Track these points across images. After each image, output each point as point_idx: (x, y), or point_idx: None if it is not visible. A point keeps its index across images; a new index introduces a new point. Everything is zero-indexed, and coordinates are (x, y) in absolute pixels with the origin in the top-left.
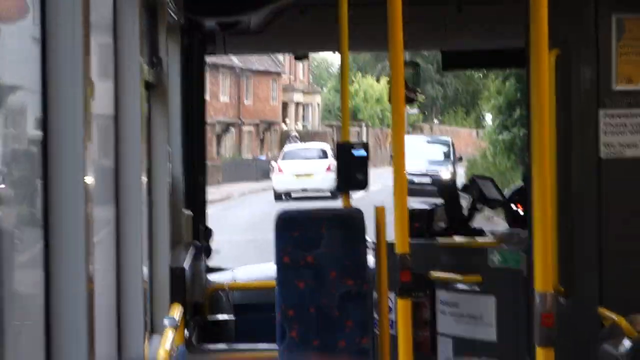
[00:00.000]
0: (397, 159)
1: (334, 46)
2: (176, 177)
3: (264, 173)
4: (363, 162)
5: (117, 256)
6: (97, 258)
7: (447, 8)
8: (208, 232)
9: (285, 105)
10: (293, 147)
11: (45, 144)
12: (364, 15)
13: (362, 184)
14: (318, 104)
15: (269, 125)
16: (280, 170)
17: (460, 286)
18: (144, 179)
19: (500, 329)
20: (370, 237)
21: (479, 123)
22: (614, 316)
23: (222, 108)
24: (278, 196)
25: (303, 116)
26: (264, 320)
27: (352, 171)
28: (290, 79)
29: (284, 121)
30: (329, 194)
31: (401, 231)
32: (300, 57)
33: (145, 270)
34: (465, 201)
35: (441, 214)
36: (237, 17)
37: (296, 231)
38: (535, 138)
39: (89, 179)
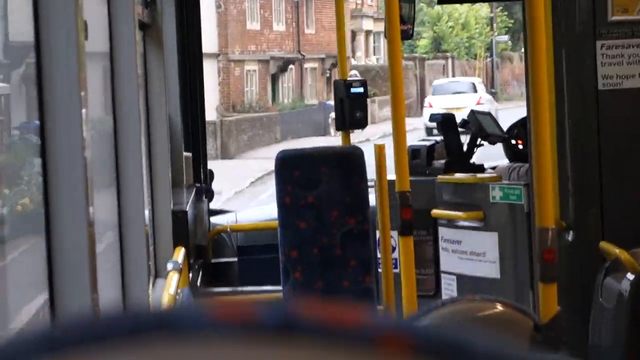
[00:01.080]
0: (395, 94)
1: None
2: (174, 119)
3: (324, 128)
4: (362, 100)
5: (118, 200)
6: (97, 203)
7: None
8: (209, 174)
9: (353, 35)
10: (442, 81)
11: (39, 88)
12: None
13: (362, 122)
14: None
15: (337, 60)
16: (430, 105)
17: (463, 223)
18: (142, 122)
19: (503, 265)
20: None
21: None
22: (616, 250)
23: (277, 39)
24: (429, 131)
25: (374, 48)
26: (267, 262)
27: (350, 109)
28: (357, 3)
29: (353, 55)
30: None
31: (401, 168)
32: None
33: (147, 213)
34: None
35: (441, 150)
36: None
37: (296, 171)
38: (532, 71)
39: (85, 122)
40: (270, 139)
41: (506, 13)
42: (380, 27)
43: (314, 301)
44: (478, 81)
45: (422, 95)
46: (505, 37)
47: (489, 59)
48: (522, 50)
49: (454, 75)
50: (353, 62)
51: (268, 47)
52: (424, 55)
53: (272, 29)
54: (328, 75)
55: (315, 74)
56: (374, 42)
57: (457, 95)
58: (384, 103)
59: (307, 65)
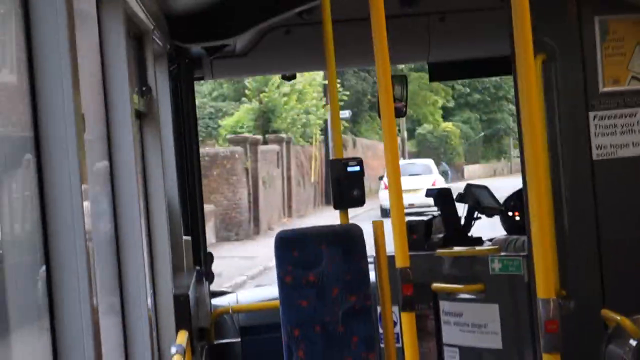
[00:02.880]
0: (392, 172)
1: (321, 65)
2: (173, 204)
3: None
4: (359, 178)
5: (121, 287)
6: (101, 290)
7: (429, 18)
8: (209, 257)
9: None
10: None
11: (40, 181)
12: (349, 32)
13: (359, 201)
14: None
15: None
16: (386, 187)
17: (463, 295)
18: (142, 208)
19: (505, 336)
20: (370, 251)
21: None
22: (617, 317)
23: None
24: (385, 212)
25: None
26: (270, 342)
27: (347, 188)
28: None
29: None
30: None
31: (401, 245)
32: (288, 77)
33: (149, 298)
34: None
35: (439, 224)
36: (223, 41)
37: (296, 251)
38: (527, 144)
39: (87, 214)
40: None
41: (338, 81)
42: None
43: None
44: (432, 162)
45: (255, 196)
46: (346, 113)
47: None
48: (354, 136)
49: (289, 168)
50: None
51: None
52: (257, 137)
53: None
54: None
55: None
56: None
57: (413, 177)
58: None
59: None
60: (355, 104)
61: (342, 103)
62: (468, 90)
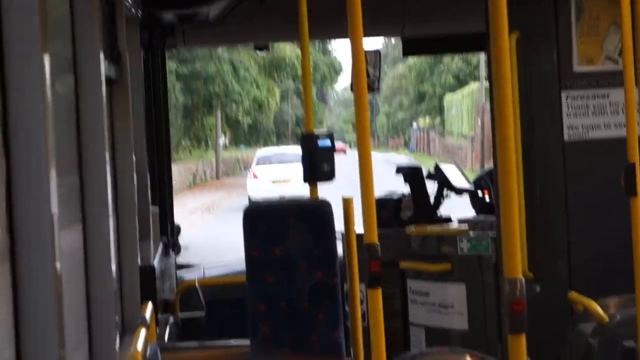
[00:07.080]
0: (363, 145)
1: (295, 35)
2: (141, 174)
3: None
4: (329, 153)
5: (85, 256)
6: (64, 258)
7: None
8: (176, 229)
9: None
10: (267, 151)
11: (7, 150)
12: (324, 4)
13: (329, 175)
14: None
15: None
16: (255, 176)
17: (431, 275)
18: (109, 176)
19: (471, 316)
20: (339, 228)
21: None
22: (584, 300)
23: None
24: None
25: None
26: (235, 316)
27: (318, 162)
28: None
29: None
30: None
31: (369, 220)
32: (261, 47)
33: (114, 269)
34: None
35: (408, 202)
36: (196, 8)
37: (264, 224)
38: (498, 122)
39: (53, 179)
40: None
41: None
42: None
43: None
44: None
45: None
46: None
47: None
48: None
49: None
50: None
51: None
52: None
53: None
54: None
55: None
56: None
57: (284, 165)
58: None
59: None
60: None
61: None
62: None
